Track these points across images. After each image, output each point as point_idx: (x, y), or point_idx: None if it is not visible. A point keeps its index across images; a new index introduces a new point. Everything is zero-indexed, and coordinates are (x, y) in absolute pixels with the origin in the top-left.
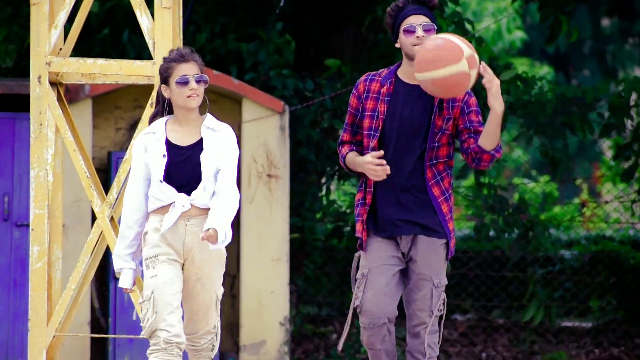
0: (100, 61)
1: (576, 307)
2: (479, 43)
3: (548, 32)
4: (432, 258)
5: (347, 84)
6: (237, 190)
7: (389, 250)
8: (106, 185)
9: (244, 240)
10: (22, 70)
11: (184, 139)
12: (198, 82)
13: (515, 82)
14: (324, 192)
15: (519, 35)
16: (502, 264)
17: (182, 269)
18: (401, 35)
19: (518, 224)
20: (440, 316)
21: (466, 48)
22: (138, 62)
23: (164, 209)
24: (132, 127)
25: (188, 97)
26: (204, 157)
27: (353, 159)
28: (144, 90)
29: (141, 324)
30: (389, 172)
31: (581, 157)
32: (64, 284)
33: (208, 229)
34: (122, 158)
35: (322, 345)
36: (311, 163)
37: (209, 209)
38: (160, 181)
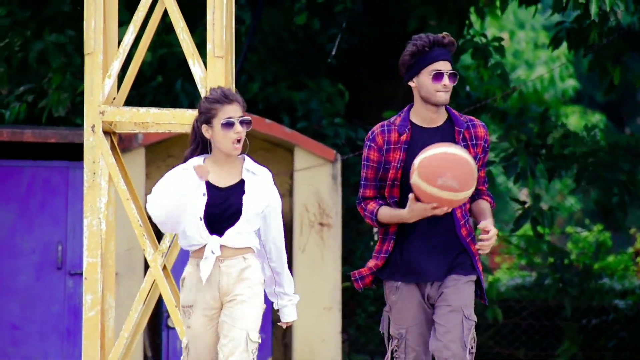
0: (153, 110)
1: (631, 358)
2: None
3: (601, 80)
4: (462, 290)
5: None
6: (284, 242)
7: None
8: (158, 233)
9: (296, 289)
10: (74, 119)
11: (222, 181)
12: (242, 124)
13: (568, 136)
14: (376, 239)
15: (571, 83)
16: (554, 313)
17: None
18: (426, 78)
19: (575, 281)
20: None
21: (468, 190)
22: (190, 111)
23: (199, 252)
24: None
25: (234, 142)
26: (246, 200)
27: (390, 212)
28: None
29: None
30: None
31: (635, 206)
32: (117, 332)
33: (286, 321)
34: None
35: None
36: None
37: (241, 248)
38: (200, 219)
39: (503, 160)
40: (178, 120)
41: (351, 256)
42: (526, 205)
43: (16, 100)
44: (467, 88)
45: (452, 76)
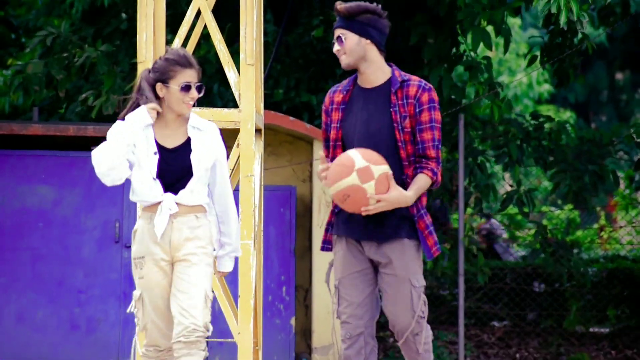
0: (195, 109)
1: (595, 316)
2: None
3: (563, 86)
4: (406, 256)
5: None
6: (231, 192)
7: (357, 256)
8: None
9: (315, 259)
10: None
11: (170, 141)
12: (198, 89)
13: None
14: None
15: (546, 87)
16: (532, 278)
17: (172, 267)
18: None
19: (549, 247)
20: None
21: (360, 161)
22: (226, 110)
23: (152, 207)
24: None
25: (187, 104)
26: (194, 159)
27: None
28: (231, 133)
29: (135, 321)
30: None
31: (599, 188)
32: None
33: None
34: None
35: (381, 347)
36: None
37: (194, 206)
38: (154, 178)
39: (494, 149)
40: (215, 117)
41: None
42: (510, 189)
43: (80, 104)
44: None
45: (338, 40)
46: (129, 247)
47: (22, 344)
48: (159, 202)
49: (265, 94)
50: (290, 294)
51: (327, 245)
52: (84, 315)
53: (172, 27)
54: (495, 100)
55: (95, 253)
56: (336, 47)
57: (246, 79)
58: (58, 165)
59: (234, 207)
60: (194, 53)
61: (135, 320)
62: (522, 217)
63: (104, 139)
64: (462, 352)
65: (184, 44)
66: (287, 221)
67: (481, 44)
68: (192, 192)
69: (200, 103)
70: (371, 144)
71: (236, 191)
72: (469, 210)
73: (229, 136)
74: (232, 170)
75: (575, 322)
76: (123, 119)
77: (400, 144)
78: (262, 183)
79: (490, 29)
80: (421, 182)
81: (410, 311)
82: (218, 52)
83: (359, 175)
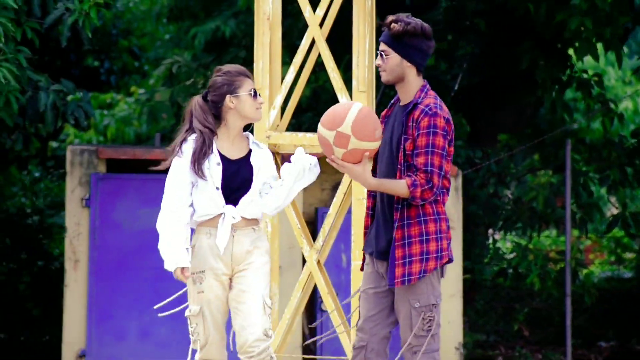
0: (309, 135)
1: None
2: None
3: None
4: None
5: (510, 150)
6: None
7: (373, 273)
8: (313, 234)
9: None
10: None
11: (233, 153)
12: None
13: None
14: (490, 240)
15: None
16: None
17: (230, 281)
18: None
19: None
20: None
21: (346, 127)
22: None
23: (212, 221)
24: (334, 187)
25: (258, 108)
26: (256, 169)
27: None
28: None
29: (192, 338)
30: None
31: None
32: (280, 314)
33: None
34: (327, 212)
35: None
36: (480, 217)
37: (251, 219)
38: (217, 188)
39: (597, 172)
40: None
41: (470, 253)
42: (617, 212)
43: None
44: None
45: (381, 55)
46: None
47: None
48: (219, 215)
49: None
50: None
51: (364, 265)
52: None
53: (291, 54)
54: (607, 114)
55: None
56: (378, 61)
57: None
58: None
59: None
60: (308, 80)
61: (193, 337)
62: (629, 239)
63: None
64: None
65: (299, 73)
66: None
67: (588, 57)
68: (252, 202)
69: (315, 129)
70: (382, 161)
71: (349, 214)
72: (575, 232)
73: None
74: (345, 193)
75: None
76: (175, 148)
77: (399, 165)
78: None
79: (599, 46)
80: (393, 183)
81: (409, 330)
82: (331, 79)
83: (335, 137)
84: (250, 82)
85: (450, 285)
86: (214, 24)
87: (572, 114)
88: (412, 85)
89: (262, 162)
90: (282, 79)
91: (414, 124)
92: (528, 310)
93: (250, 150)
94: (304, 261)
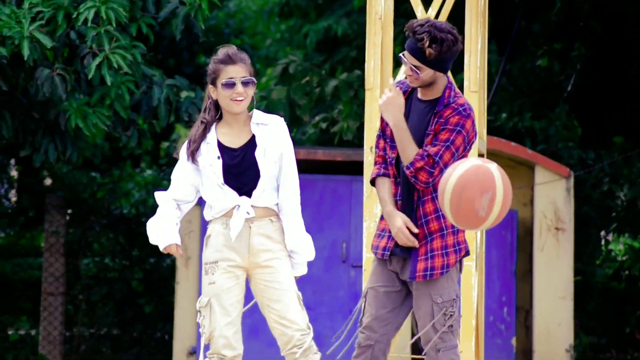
0: None
1: None
2: None
3: None
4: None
5: (624, 152)
6: (297, 189)
7: (384, 271)
8: None
9: (536, 282)
10: (358, 142)
11: (235, 141)
12: (245, 84)
13: None
14: (603, 242)
15: None
16: None
17: (248, 275)
18: None
19: None
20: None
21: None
22: None
23: (227, 213)
24: None
25: (232, 100)
26: (258, 154)
27: (383, 197)
28: None
29: (200, 330)
30: (416, 245)
31: None
32: None
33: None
34: None
35: None
36: (592, 219)
37: (267, 209)
38: (222, 184)
39: None
40: None
41: (582, 255)
42: None
43: (312, 126)
44: None
45: (413, 70)
46: (355, 267)
47: (256, 357)
48: (234, 207)
49: (488, 120)
50: (511, 315)
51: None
52: (313, 332)
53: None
54: None
55: (324, 272)
56: (409, 73)
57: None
58: None
59: (298, 207)
60: None
61: (200, 330)
62: None
63: (332, 162)
64: None
65: None
66: (509, 243)
67: None
68: (264, 191)
69: None
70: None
71: None
72: None
73: None
74: None
75: None
76: (191, 140)
77: None
78: None
79: None
80: (411, 140)
81: (431, 327)
82: None
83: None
84: (230, 70)
85: (560, 288)
86: (326, 22)
87: None
88: (438, 84)
89: (267, 142)
90: (394, 79)
91: (442, 120)
92: None
93: (253, 135)
94: None
